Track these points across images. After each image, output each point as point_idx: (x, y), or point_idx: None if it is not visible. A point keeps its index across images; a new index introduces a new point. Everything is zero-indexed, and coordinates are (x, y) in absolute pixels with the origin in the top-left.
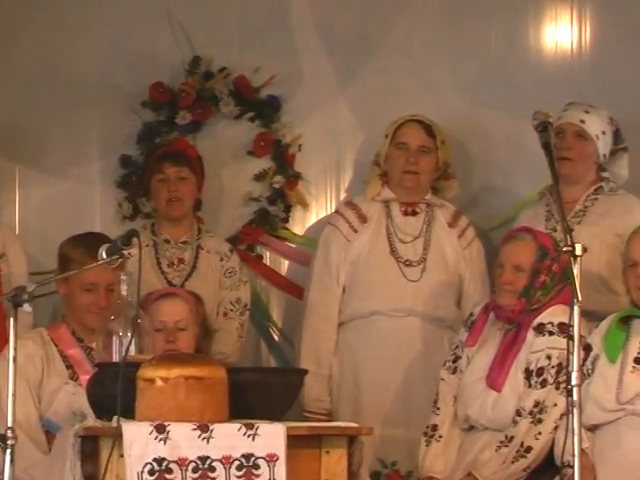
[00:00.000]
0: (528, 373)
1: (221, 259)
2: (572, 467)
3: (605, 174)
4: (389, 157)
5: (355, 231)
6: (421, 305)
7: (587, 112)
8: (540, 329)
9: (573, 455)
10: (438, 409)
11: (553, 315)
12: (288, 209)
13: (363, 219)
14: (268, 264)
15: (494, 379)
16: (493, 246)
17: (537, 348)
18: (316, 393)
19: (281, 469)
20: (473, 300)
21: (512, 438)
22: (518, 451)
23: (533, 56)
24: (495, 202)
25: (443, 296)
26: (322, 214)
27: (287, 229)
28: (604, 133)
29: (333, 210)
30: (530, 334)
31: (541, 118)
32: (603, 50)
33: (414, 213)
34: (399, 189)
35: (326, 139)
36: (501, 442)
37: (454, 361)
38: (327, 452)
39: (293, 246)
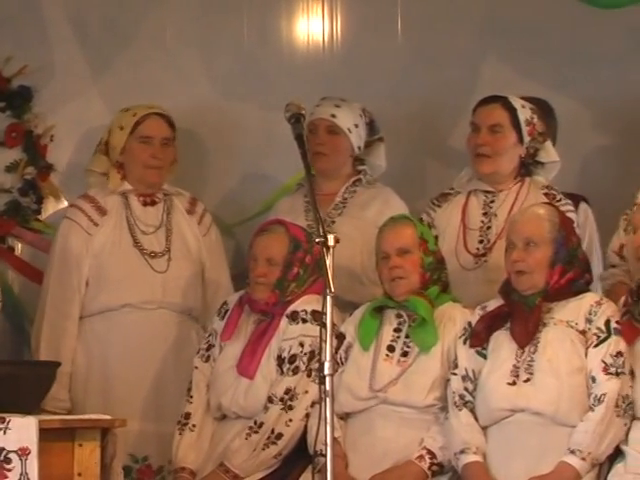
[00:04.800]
0: (280, 360)
1: None
2: (324, 456)
3: (362, 167)
4: (129, 150)
5: (95, 224)
6: (171, 296)
7: (338, 106)
8: (294, 317)
9: (325, 444)
10: (191, 397)
11: (307, 303)
12: (40, 200)
13: (102, 212)
14: (20, 256)
15: (245, 367)
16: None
17: (290, 335)
18: (54, 391)
19: (33, 463)
20: (214, 287)
21: (262, 424)
22: (269, 438)
23: (285, 49)
24: (251, 192)
25: (192, 286)
26: None
27: (39, 220)
28: (356, 126)
29: None
30: (284, 322)
31: (293, 110)
32: (354, 43)
33: (153, 203)
34: (140, 183)
35: (78, 130)
36: (250, 428)
37: (207, 349)
38: (80, 445)
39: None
